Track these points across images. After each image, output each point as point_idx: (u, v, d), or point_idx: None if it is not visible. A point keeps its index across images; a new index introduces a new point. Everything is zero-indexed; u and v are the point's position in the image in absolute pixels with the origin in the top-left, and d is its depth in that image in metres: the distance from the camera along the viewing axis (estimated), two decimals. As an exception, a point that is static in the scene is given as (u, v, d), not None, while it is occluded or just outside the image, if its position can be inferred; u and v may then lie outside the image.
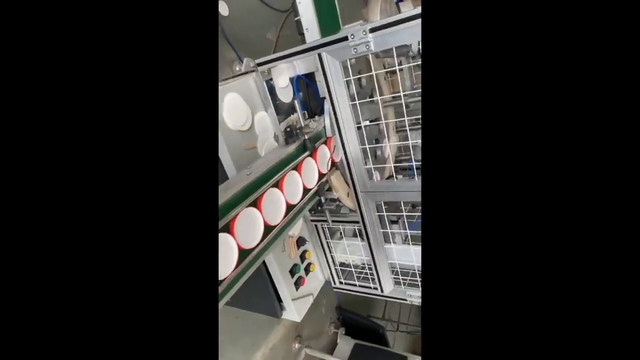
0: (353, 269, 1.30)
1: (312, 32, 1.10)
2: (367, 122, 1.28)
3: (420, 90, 1.51)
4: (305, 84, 1.19)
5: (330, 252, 1.31)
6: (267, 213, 0.80)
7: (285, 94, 1.12)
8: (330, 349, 2.62)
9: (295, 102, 0.98)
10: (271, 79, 1.08)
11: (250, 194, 0.76)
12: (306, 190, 0.97)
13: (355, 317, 2.81)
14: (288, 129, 0.95)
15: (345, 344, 2.61)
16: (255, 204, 0.78)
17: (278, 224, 0.85)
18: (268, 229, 0.82)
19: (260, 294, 1.18)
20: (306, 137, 0.96)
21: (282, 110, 1.15)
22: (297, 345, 2.36)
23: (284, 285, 1.16)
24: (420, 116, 1.63)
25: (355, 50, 0.85)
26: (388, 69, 0.96)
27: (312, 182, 0.99)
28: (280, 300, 1.21)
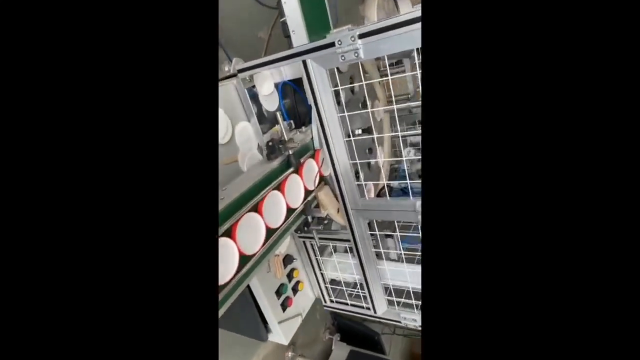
0: (344, 288, 1.22)
1: (299, 35, 1.00)
2: (360, 132, 1.20)
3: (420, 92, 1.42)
4: (292, 90, 1.10)
5: (320, 269, 1.23)
6: (243, 241, 0.72)
7: (271, 102, 1.03)
8: (325, 356, 2.56)
9: (277, 113, 0.89)
10: (254, 86, 0.99)
11: (223, 222, 0.68)
12: (291, 211, 0.88)
13: (350, 323, 2.74)
14: (270, 143, 0.86)
15: (340, 351, 2.55)
16: (230, 232, 0.69)
17: (257, 252, 0.76)
18: (245, 258, 0.74)
19: (244, 317, 1.10)
20: (290, 152, 0.87)
21: (267, 120, 1.06)
22: (290, 354, 2.30)
23: (269, 308, 1.08)
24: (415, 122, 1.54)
25: (343, 58, 0.76)
26: (383, 78, 0.87)
27: (298, 202, 0.91)
28: (266, 322, 1.13)
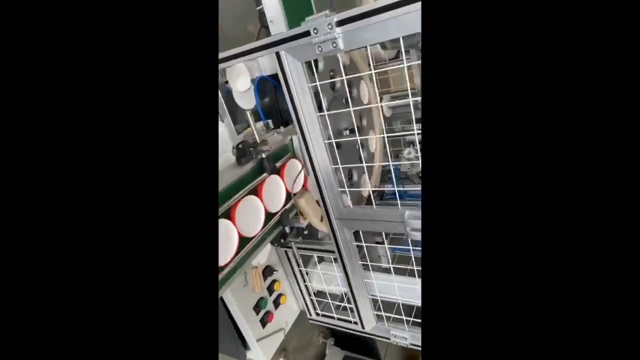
0: (330, 302, 1.13)
1: (277, 25, 0.91)
2: (347, 132, 1.10)
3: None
4: (272, 86, 1.01)
5: (304, 281, 1.13)
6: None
7: (246, 100, 0.93)
8: (318, 365, 2.47)
9: (247, 113, 0.79)
10: (227, 82, 0.89)
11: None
12: (270, 216, 0.79)
13: (344, 327, 2.66)
14: (240, 146, 0.77)
15: (334, 356, 2.47)
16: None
17: (228, 264, 0.67)
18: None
19: (220, 333, 1.00)
20: (264, 155, 0.77)
21: (244, 119, 0.96)
22: (281, 360, 2.22)
23: (246, 325, 0.99)
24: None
25: (320, 49, 0.66)
26: (367, 72, 0.77)
27: (278, 205, 0.81)
28: (244, 339, 1.04)
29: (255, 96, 0.94)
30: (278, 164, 0.81)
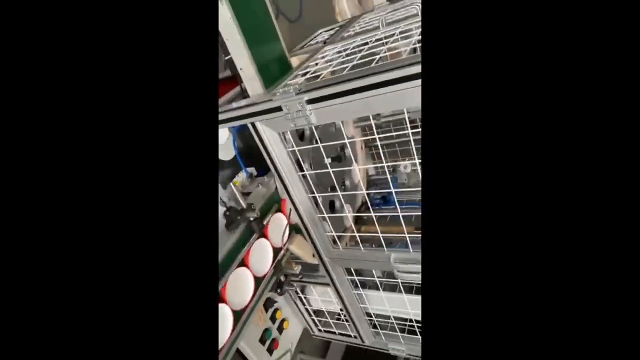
0: (330, 320, 1.20)
1: (248, 72, 0.89)
2: (329, 160, 1.12)
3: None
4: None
5: (304, 304, 1.20)
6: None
7: (225, 151, 0.93)
8: (325, 349, 2.62)
9: (231, 185, 0.80)
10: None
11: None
12: (259, 280, 0.82)
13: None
14: (227, 214, 0.79)
15: (338, 345, 2.61)
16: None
17: (225, 345, 0.71)
18: (212, 355, 0.69)
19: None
20: (252, 218, 0.79)
21: (225, 169, 0.97)
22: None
23: (255, 357, 1.05)
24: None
25: (294, 124, 0.67)
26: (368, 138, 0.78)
27: (266, 266, 0.85)
28: (253, 367, 1.11)
29: (234, 146, 0.94)
30: (265, 221, 0.83)
